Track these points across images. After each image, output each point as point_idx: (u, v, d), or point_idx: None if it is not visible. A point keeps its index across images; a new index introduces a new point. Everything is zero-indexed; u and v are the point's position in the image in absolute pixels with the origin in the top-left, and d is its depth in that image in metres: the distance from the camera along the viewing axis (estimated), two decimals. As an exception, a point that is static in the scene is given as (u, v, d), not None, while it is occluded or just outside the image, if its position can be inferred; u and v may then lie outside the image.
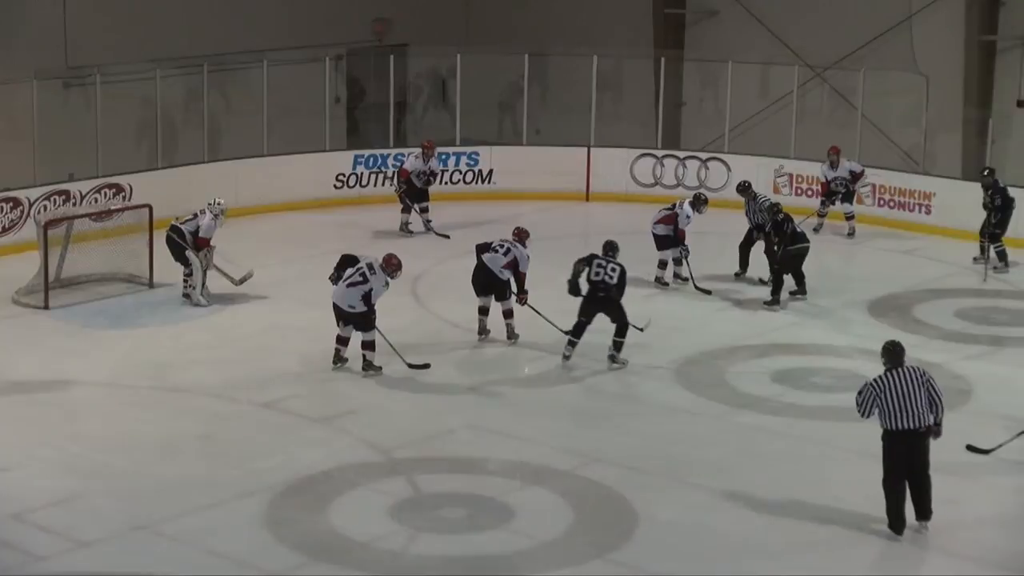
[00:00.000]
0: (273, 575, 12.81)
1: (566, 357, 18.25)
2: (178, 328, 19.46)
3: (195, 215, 20.69)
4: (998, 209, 22.82)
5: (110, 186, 23.76)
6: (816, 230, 24.74)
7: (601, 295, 18.12)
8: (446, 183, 26.74)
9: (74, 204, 23.10)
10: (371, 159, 27.07)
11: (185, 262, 20.45)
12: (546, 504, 14.21)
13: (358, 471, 14.91)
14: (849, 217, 24.70)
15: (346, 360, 17.83)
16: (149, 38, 26.90)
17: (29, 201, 22.97)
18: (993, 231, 22.82)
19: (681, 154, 27.53)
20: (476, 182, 27.28)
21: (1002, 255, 22.89)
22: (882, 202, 25.63)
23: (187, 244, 20.40)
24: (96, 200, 23.31)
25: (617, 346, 18.18)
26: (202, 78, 26.03)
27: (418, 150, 25.08)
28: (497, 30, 31.18)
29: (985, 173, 23.20)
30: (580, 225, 25.78)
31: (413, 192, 24.76)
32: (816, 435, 16.15)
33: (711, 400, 17.20)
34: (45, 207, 22.87)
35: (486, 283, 19.13)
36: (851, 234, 24.67)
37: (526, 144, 28.21)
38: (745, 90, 28.09)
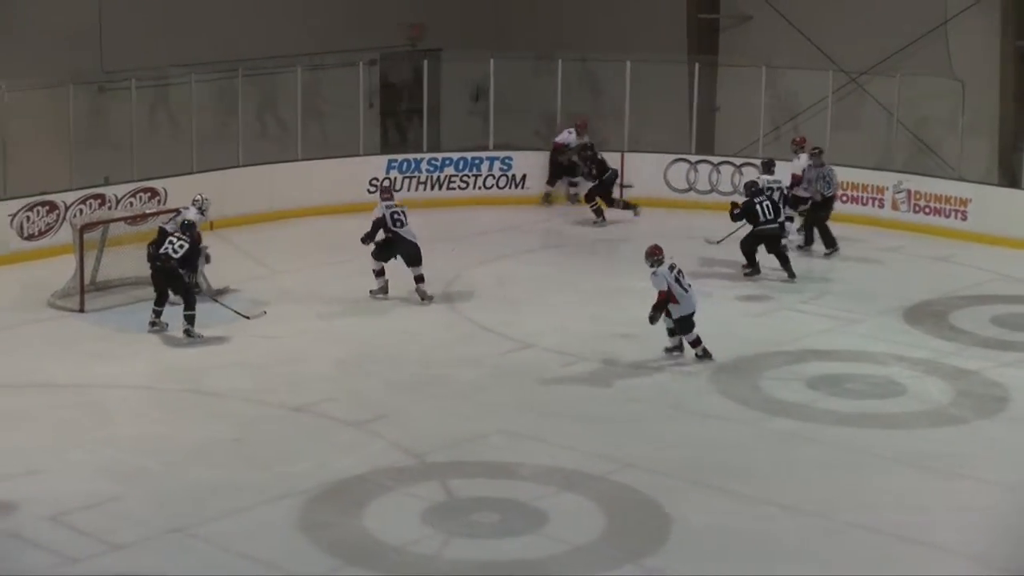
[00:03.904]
0: (306, 579, 12.86)
1: (152, 323, 19.27)
2: (211, 331, 19.47)
3: (177, 212, 20.71)
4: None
5: (145, 190, 23.85)
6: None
7: (159, 264, 19.18)
8: (479, 187, 26.82)
9: (110, 208, 23.21)
10: (404, 163, 27.10)
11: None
12: (579, 509, 14.17)
13: (391, 475, 14.91)
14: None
15: None
16: (184, 42, 26.97)
17: (65, 205, 23.07)
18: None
19: (715, 159, 27.48)
20: (509, 187, 27.26)
21: (599, 212, 25.40)
22: (917, 208, 25.52)
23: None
24: (131, 204, 23.40)
25: (189, 319, 19.06)
26: (237, 82, 26.08)
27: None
28: (531, 35, 31.14)
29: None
30: (614, 231, 25.69)
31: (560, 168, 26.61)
32: (850, 442, 16.08)
33: (745, 406, 17.13)
34: (81, 211, 22.98)
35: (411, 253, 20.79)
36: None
37: (560, 149, 28.17)
38: (779, 95, 28.00)
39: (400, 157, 27.31)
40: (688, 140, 28.25)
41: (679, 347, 18.55)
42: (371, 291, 21.05)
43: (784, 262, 22.08)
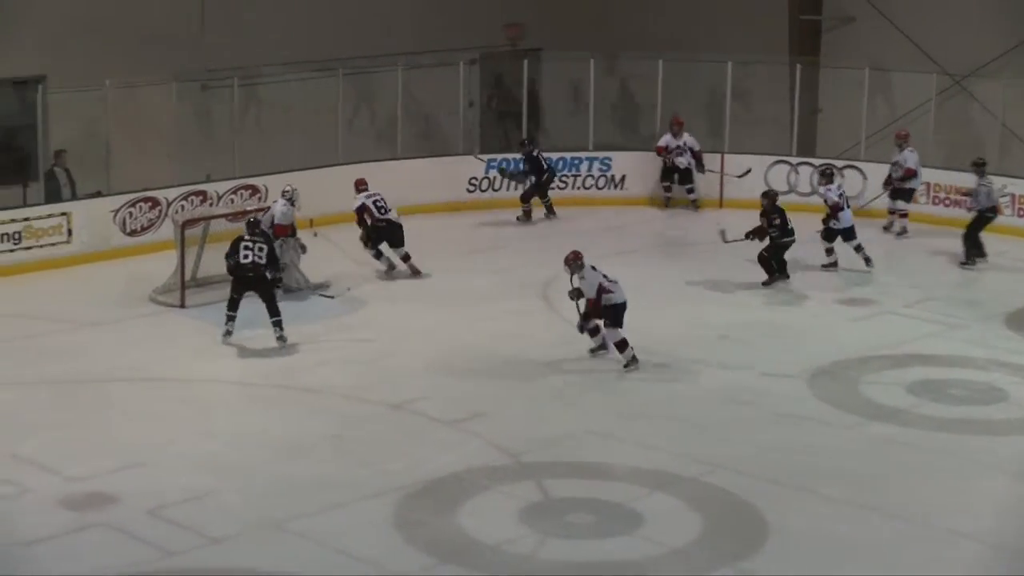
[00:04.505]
0: (402, 576, 12.89)
1: (228, 333, 18.85)
2: (309, 328, 19.56)
3: (267, 208, 20.84)
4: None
5: (246, 187, 24.03)
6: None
7: (251, 275, 18.71)
8: (578, 188, 26.82)
9: (211, 204, 23.41)
10: (504, 163, 27.10)
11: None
12: (675, 511, 14.12)
13: (487, 474, 14.91)
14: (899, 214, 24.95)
15: None
16: (286, 41, 27.15)
17: (167, 201, 23.30)
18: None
19: (816, 161, 27.21)
20: (608, 187, 27.21)
21: (528, 214, 25.59)
22: (1022, 212, 25.18)
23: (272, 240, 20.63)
24: (232, 201, 23.57)
25: (278, 324, 18.72)
26: (337, 81, 26.21)
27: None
28: (630, 35, 31.05)
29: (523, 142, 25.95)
30: (714, 232, 25.60)
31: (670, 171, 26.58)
32: (952, 448, 15.89)
33: (844, 410, 16.97)
34: (182, 207, 23.20)
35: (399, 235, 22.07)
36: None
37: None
38: (882, 97, 27.73)
39: (500, 157, 27.33)
40: (789, 141, 28.05)
41: (603, 346, 18.50)
42: (385, 271, 22.17)
43: (782, 269, 21.75)
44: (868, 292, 21.60)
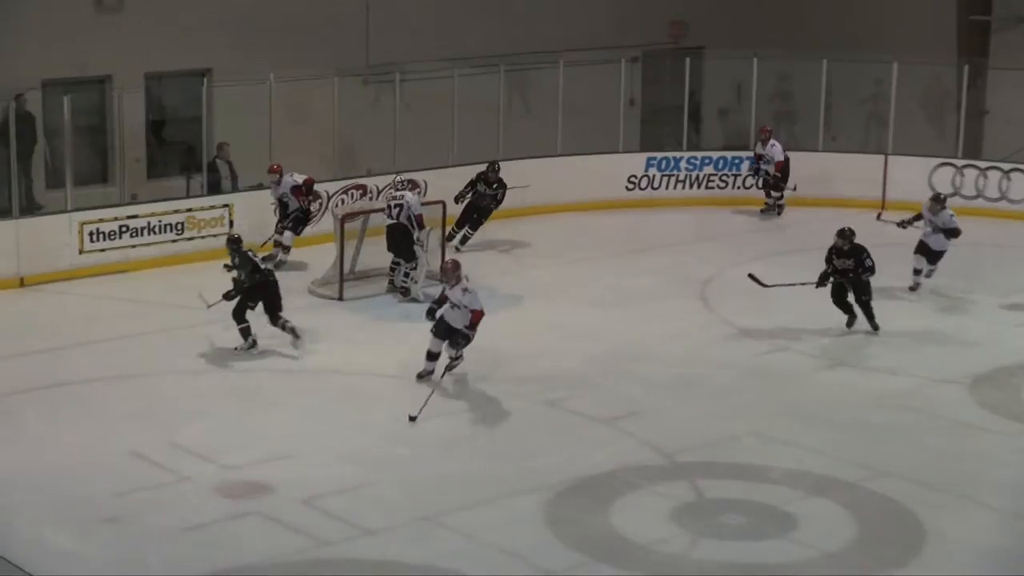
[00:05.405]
0: (552, 573, 12.83)
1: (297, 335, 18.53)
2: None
3: (401, 207, 20.75)
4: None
5: (406, 181, 24.13)
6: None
7: (271, 280, 18.52)
8: (738, 187, 26.60)
9: (371, 198, 23.58)
10: (663, 162, 27.00)
11: (410, 256, 20.50)
12: (831, 515, 13.95)
13: (640, 473, 14.85)
14: None
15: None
16: (448, 37, 27.29)
17: (328, 194, 23.50)
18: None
19: (982, 164, 26.77)
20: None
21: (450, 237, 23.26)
22: None
23: (415, 237, 20.56)
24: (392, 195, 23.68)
25: (244, 333, 18.31)
26: (498, 77, 26.25)
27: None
28: (795, 34, 30.75)
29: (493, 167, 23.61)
30: (874, 235, 25.25)
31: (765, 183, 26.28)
32: (1117, 458, 15.56)
33: (1006, 418, 16.66)
34: (343, 200, 23.38)
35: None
36: None
37: (821, 150, 27.76)
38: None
39: (659, 155, 27.23)
40: (955, 144, 27.59)
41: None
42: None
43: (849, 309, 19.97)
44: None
